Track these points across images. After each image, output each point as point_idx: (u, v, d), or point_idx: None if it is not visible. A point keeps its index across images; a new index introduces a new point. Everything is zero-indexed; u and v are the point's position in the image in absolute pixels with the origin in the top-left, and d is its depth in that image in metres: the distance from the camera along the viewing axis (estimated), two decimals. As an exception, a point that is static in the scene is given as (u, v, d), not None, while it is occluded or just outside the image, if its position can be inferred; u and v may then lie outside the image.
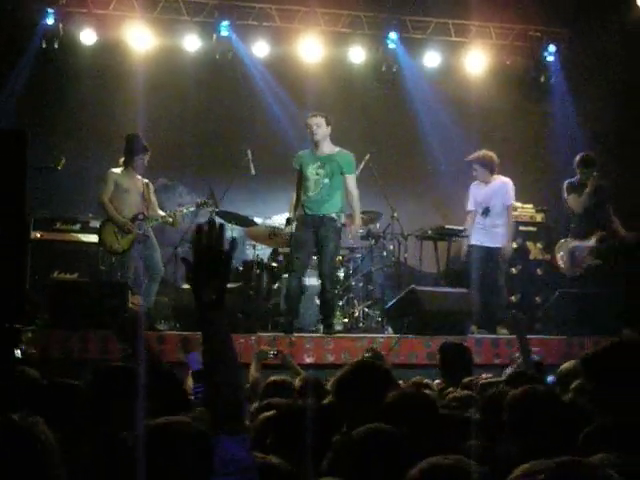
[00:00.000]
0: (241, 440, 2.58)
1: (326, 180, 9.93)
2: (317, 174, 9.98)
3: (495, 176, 11.03)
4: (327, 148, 10.08)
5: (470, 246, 11.05)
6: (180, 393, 4.46)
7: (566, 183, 11.11)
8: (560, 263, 11.34)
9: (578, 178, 11.03)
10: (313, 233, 9.91)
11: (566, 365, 5.65)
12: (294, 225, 10.13)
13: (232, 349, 2.70)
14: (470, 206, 11.12)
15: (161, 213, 10.57)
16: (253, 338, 9.42)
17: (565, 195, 11.07)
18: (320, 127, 9.98)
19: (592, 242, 10.97)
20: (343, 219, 10.06)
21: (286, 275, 10.61)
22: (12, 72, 12.42)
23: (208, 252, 2.67)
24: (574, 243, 11.10)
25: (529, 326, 10.46)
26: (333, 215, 9.89)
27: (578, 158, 11.09)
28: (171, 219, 10.46)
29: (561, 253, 11.32)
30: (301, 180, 10.09)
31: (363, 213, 11.06)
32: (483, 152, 11.05)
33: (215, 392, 2.64)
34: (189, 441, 2.66)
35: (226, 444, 2.55)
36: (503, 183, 11.01)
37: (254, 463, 2.64)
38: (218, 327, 2.66)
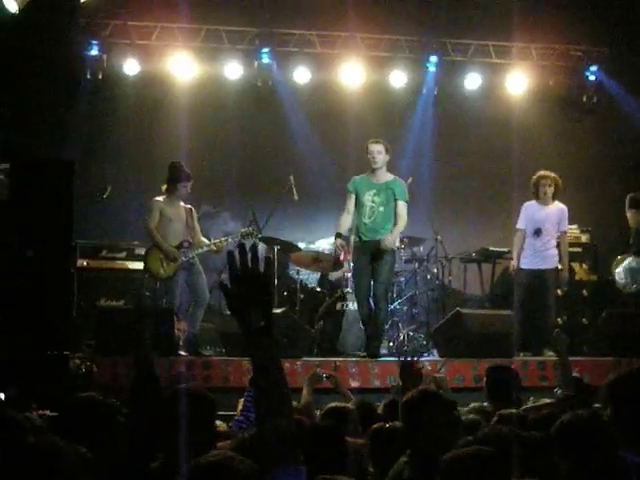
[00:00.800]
0: (295, 471, 2.49)
1: (381, 208, 10.13)
2: (373, 202, 10.16)
3: (554, 200, 10.96)
4: (382, 176, 10.24)
5: (520, 269, 10.92)
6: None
7: (629, 197, 11.02)
8: (617, 279, 11.24)
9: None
10: (370, 258, 10.09)
11: None
12: (352, 254, 10.44)
13: (283, 376, 2.57)
14: (521, 224, 10.98)
15: (205, 241, 10.62)
16: (299, 363, 9.44)
17: (626, 208, 10.97)
18: (380, 154, 10.16)
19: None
20: (398, 243, 10.31)
21: (330, 300, 10.71)
22: (59, 104, 12.56)
23: (245, 278, 2.54)
24: (633, 259, 11.00)
25: (571, 346, 10.39)
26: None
27: (628, 199, 11.03)
28: (215, 248, 10.53)
29: (619, 269, 11.21)
30: (353, 202, 10.26)
31: (407, 238, 11.09)
32: (555, 175, 10.95)
33: (267, 422, 2.53)
34: (238, 476, 2.61)
35: (280, 477, 2.46)
36: (561, 208, 10.89)
37: None
38: (269, 354, 2.54)
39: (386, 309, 10.24)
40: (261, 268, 2.59)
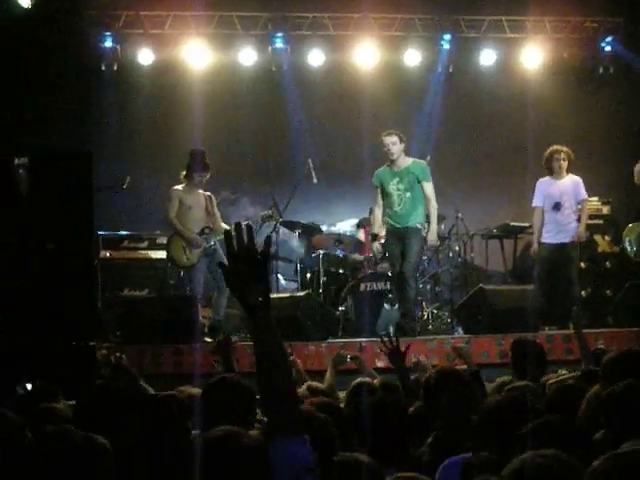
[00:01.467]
0: (300, 441, 2.56)
1: (408, 194, 10.34)
2: (398, 189, 10.38)
3: (568, 173, 10.95)
4: (403, 162, 10.43)
5: (541, 243, 10.93)
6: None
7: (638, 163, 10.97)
8: (627, 248, 11.23)
9: None
10: (400, 242, 10.34)
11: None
12: (384, 239, 10.61)
13: (283, 350, 2.67)
14: (538, 202, 10.98)
15: (225, 226, 10.65)
16: (323, 345, 9.48)
17: (636, 169, 10.92)
18: (395, 145, 10.36)
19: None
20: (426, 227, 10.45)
21: (353, 281, 10.77)
22: (76, 96, 12.61)
23: (242, 256, 2.60)
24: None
25: (596, 318, 10.39)
26: (418, 225, 10.33)
27: None
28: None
29: (628, 238, 11.21)
30: (382, 196, 10.50)
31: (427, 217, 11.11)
32: (567, 148, 10.95)
33: (269, 394, 2.62)
34: (243, 451, 2.64)
35: (285, 446, 2.52)
36: (575, 180, 10.91)
37: (315, 462, 2.59)
38: (268, 329, 2.62)
39: (416, 287, 10.38)
40: (260, 246, 2.65)
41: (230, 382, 4.21)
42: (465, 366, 6.76)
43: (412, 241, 10.25)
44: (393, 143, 10.35)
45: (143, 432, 3.58)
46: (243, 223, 2.74)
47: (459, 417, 4.20)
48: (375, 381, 6.14)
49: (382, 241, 10.69)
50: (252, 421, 4.06)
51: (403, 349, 6.07)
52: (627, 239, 11.26)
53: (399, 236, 10.36)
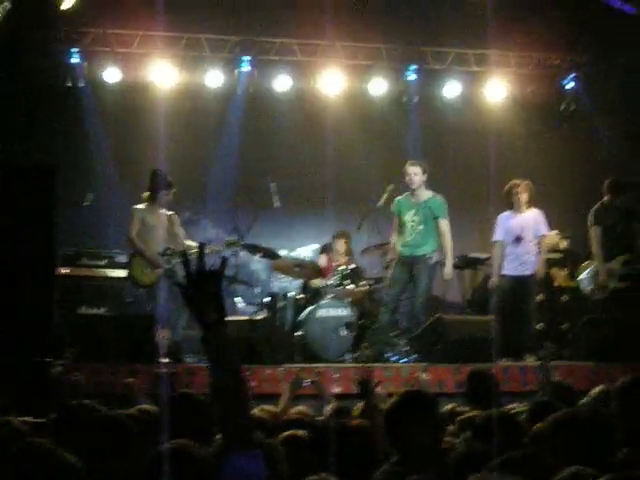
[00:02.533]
0: (252, 456, 2.60)
1: (421, 227, 10.62)
2: (413, 221, 10.64)
3: (529, 207, 11.06)
4: (421, 195, 10.68)
5: (502, 276, 11.03)
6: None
7: (593, 211, 11.13)
8: (582, 285, 11.37)
9: (604, 202, 11.09)
10: (408, 271, 10.59)
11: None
12: (395, 265, 10.78)
13: (238, 367, 2.72)
14: (498, 236, 11.11)
15: (191, 243, 10.59)
16: (280, 369, 9.45)
17: (589, 224, 11.12)
18: (417, 175, 10.61)
19: (616, 265, 11.01)
20: (436, 257, 10.67)
21: (312, 307, 10.76)
22: (41, 111, 12.55)
23: (196, 274, 2.70)
24: (600, 266, 11.11)
25: (553, 354, 10.48)
26: (426, 255, 10.58)
27: (607, 183, 11.15)
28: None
29: (583, 275, 11.34)
30: (398, 223, 10.78)
31: (387, 244, 11.15)
32: (528, 181, 11.09)
33: (222, 410, 2.66)
34: (192, 463, 2.72)
35: (237, 461, 2.57)
36: (536, 214, 11.03)
37: (267, 477, 2.64)
38: (222, 346, 2.68)
39: (424, 322, 10.46)
40: (217, 266, 2.76)
41: (189, 399, 4.20)
42: None
43: (421, 273, 10.50)
44: (415, 174, 10.58)
45: (104, 451, 3.58)
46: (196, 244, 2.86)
47: (423, 441, 4.21)
48: (328, 408, 6.14)
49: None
50: (211, 437, 4.05)
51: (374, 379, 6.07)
52: (581, 277, 11.40)
53: (407, 265, 10.60)
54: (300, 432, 4.39)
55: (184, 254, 2.81)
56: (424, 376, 8.74)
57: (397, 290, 10.64)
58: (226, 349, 2.68)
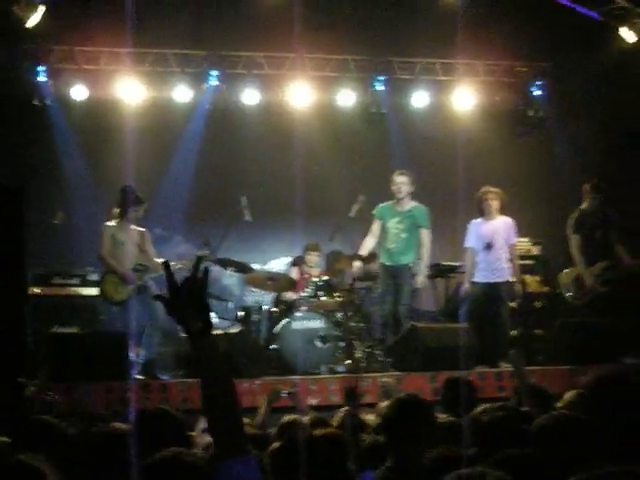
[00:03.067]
0: (246, 461, 2.62)
1: (405, 235, 10.90)
2: (397, 228, 10.91)
3: (500, 215, 11.14)
4: (407, 204, 10.96)
5: (473, 283, 11.09)
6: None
7: (571, 218, 11.24)
8: (564, 291, 11.41)
9: (583, 208, 11.20)
10: (392, 282, 10.84)
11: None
12: (380, 275, 11.09)
13: (227, 374, 2.74)
14: (469, 243, 11.19)
15: (159, 262, 10.59)
16: (257, 382, 9.44)
17: (568, 232, 11.22)
18: (405, 185, 10.92)
19: (597, 270, 11.10)
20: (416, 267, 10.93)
21: (286, 319, 10.76)
22: (6, 129, 12.47)
23: (179, 287, 2.73)
24: (584, 271, 11.19)
25: (526, 357, 10.52)
26: (409, 264, 10.90)
27: (588, 185, 11.25)
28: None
29: (565, 282, 11.40)
30: (378, 227, 11.04)
31: (359, 256, 11.17)
32: (498, 189, 11.16)
33: (215, 418, 2.68)
34: (187, 471, 2.74)
35: (231, 467, 2.59)
36: (507, 222, 11.10)
37: None
38: (210, 354, 2.70)
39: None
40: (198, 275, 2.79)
41: (160, 413, 4.18)
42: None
43: (404, 281, 10.73)
44: (403, 183, 10.89)
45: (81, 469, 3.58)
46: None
47: (420, 446, 4.25)
48: (306, 418, 6.11)
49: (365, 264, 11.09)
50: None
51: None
52: (563, 283, 11.47)
53: (391, 274, 10.84)
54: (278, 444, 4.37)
55: (167, 265, 2.84)
56: (386, 379, 8.80)
57: (388, 304, 10.86)
58: (214, 357, 2.71)
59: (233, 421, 2.67)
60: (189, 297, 2.71)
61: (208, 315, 2.73)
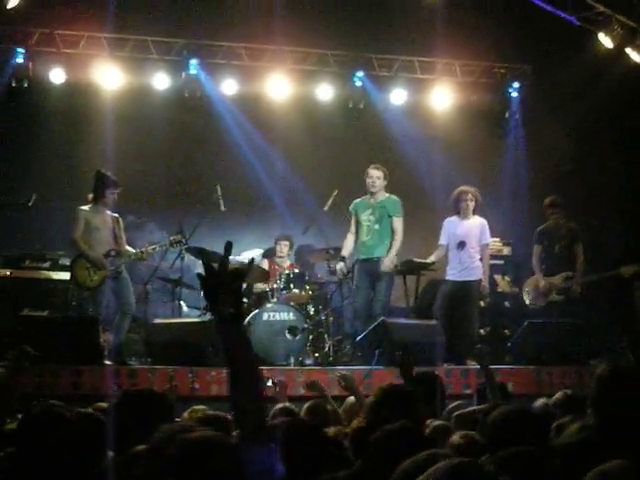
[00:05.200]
0: (270, 451, 2.66)
1: (376, 226, 10.84)
2: (369, 220, 10.88)
3: (474, 215, 11.24)
4: (379, 197, 10.94)
5: (444, 281, 11.19)
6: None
7: (536, 231, 11.52)
8: (525, 296, 11.65)
9: (548, 223, 11.47)
10: (368, 276, 10.77)
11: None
12: (354, 270, 10.98)
13: (253, 362, 2.77)
14: (442, 240, 11.27)
15: (131, 250, 10.60)
16: (225, 371, 9.42)
17: (534, 242, 11.48)
18: (379, 179, 10.87)
19: (558, 280, 11.34)
20: (395, 261, 10.89)
21: (257, 310, 10.77)
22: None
23: (216, 271, 2.75)
24: (541, 279, 11.45)
25: (495, 357, 10.62)
26: (384, 256, 10.77)
27: (546, 202, 11.49)
28: (142, 254, 10.52)
29: (527, 288, 11.65)
30: (354, 223, 11.01)
31: (333, 249, 11.20)
32: (475, 189, 11.26)
33: (241, 404, 2.71)
34: (221, 454, 2.72)
35: (257, 455, 2.62)
36: (481, 222, 11.21)
37: (283, 472, 2.70)
38: (239, 340, 2.74)
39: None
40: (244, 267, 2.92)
41: (141, 393, 4.21)
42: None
43: (381, 278, 10.68)
44: (378, 177, 10.85)
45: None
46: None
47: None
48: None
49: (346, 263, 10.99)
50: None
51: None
52: (526, 289, 11.73)
53: (367, 269, 10.78)
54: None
55: (202, 251, 2.92)
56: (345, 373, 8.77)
57: (364, 299, 10.83)
58: (242, 344, 2.75)
59: (258, 408, 2.71)
60: (225, 282, 2.73)
61: (241, 303, 2.77)
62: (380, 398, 4.64)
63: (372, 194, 10.92)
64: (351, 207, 11.08)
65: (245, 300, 11.54)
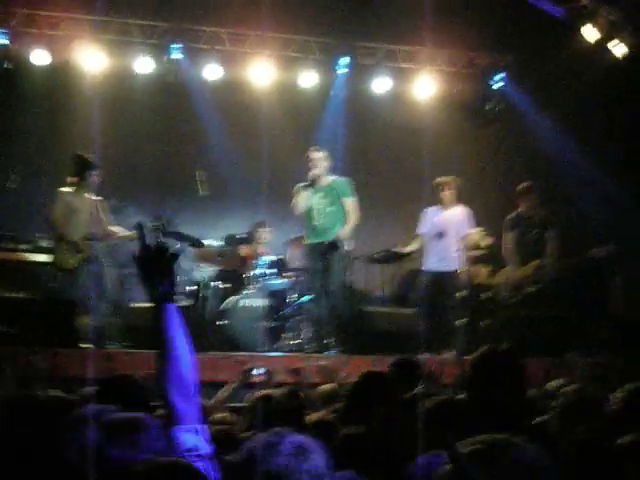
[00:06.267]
0: (197, 430, 2.67)
1: (328, 209, 10.61)
2: (320, 204, 10.61)
3: (458, 203, 11.26)
4: (325, 179, 10.67)
5: (423, 271, 11.19)
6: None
7: (506, 219, 11.50)
8: (500, 289, 11.65)
9: (519, 211, 11.45)
10: (322, 259, 10.49)
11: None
12: (307, 256, 10.82)
13: (184, 342, 2.76)
14: (420, 230, 11.27)
15: (114, 231, 10.58)
16: (201, 357, 9.44)
17: (503, 229, 11.46)
18: (321, 161, 10.62)
19: (529, 270, 11.35)
20: (347, 245, 10.67)
21: (236, 296, 10.78)
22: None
23: (151, 251, 2.80)
24: (513, 270, 11.45)
25: (472, 347, 10.66)
26: (337, 239, 10.52)
27: (519, 188, 11.50)
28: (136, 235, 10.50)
29: (502, 279, 11.62)
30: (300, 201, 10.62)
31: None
32: (454, 177, 11.26)
33: (170, 383, 2.72)
34: (145, 432, 2.79)
35: (184, 435, 2.64)
36: (464, 211, 11.22)
37: (213, 450, 2.70)
38: (170, 320, 2.74)
39: (342, 306, 10.50)
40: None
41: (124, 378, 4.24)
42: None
43: (334, 259, 10.44)
44: (319, 159, 10.62)
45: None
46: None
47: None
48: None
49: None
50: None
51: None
52: (500, 281, 11.73)
53: (319, 251, 10.53)
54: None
55: (140, 226, 2.94)
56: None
57: (319, 282, 10.57)
58: (174, 323, 2.75)
59: (186, 389, 2.70)
60: (160, 260, 2.78)
61: (173, 284, 2.78)
62: (359, 384, 4.71)
63: (317, 177, 10.66)
64: (295, 193, 10.78)
65: (226, 285, 11.54)
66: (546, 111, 13.45)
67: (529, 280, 11.39)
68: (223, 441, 3.94)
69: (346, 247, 10.63)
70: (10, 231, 11.75)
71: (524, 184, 11.62)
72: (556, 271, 11.44)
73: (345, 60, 13.62)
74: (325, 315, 10.41)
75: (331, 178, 10.74)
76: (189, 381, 2.74)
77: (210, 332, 10.59)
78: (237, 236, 12.13)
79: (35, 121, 12.95)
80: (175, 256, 2.81)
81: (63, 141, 12.45)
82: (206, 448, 2.67)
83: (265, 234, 12.13)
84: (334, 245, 10.49)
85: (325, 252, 10.50)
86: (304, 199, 10.61)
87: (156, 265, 2.77)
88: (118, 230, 10.60)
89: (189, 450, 2.61)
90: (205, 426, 2.71)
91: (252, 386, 7.20)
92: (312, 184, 10.64)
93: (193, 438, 2.64)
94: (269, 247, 12.16)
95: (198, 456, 2.62)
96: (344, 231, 10.60)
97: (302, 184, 10.74)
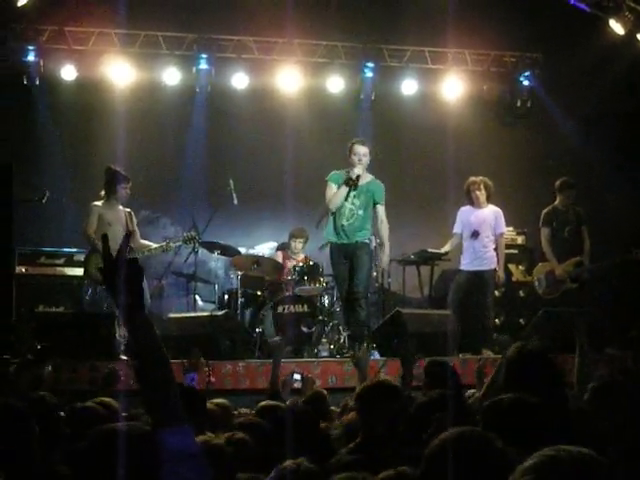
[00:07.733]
0: (183, 431, 2.65)
1: (360, 212, 10.12)
2: (353, 204, 10.10)
3: (488, 203, 11.23)
4: (364, 178, 10.14)
5: (459, 270, 11.18)
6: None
7: (543, 213, 11.44)
8: (536, 286, 11.57)
9: (555, 205, 11.38)
10: (348, 260, 10.12)
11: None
12: (331, 256, 10.35)
13: (159, 347, 2.76)
14: (456, 229, 11.26)
15: (145, 244, 10.65)
16: (241, 365, 9.48)
17: (540, 224, 11.41)
18: (366, 156, 10.05)
19: (569, 267, 11.29)
20: (374, 242, 10.20)
21: (271, 303, 10.79)
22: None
23: (111, 261, 2.78)
24: (557, 266, 11.36)
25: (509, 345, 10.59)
26: (366, 240, 10.13)
27: (558, 183, 11.42)
28: (166, 247, 10.60)
29: (538, 276, 11.55)
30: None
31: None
32: (485, 178, 11.23)
33: (148, 389, 2.71)
34: (130, 442, 2.82)
35: (169, 437, 2.62)
36: (495, 211, 11.20)
37: (200, 450, 2.71)
38: (141, 327, 2.73)
39: (367, 309, 10.27)
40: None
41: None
42: None
43: (362, 258, 10.03)
44: (365, 154, 10.02)
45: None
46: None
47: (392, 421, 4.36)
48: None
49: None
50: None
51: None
52: (536, 278, 11.62)
53: (347, 253, 10.17)
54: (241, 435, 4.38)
55: (105, 237, 2.91)
56: (382, 372, 8.79)
57: (347, 284, 10.23)
58: (145, 330, 2.73)
59: (166, 392, 2.69)
60: (121, 271, 2.75)
61: (139, 293, 2.78)
62: (363, 396, 4.70)
63: (359, 176, 10.05)
64: (331, 178, 10.24)
65: (260, 292, 11.57)
66: (575, 108, 13.38)
67: (569, 276, 11.32)
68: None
69: (373, 244, 10.23)
70: (44, 246, 11.88)
71: (563, 178, 11.54)
72: (597, 270, 11.38)
73: (372, 63, 13.61)
74: (359, 318, 10.28)
75: (369, 177, 10.26)
76: (168, 386, 2.75)
77: (248, 339, 10.60)
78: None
79: (65, 136, 13.06)
80: (140, 268, 2.79)
81: (94, 155, 12.54)
82: (194, 447, 2.69)
83: (300, 244, 12.06)
84: (363, 245, 10.16)
85: (353, 252, 10.12)
86: (342, 196, 10.08)
87: (121, 276, 2.76)
88: (146, 244, 10.68)
89: (176, 451, 2.63)
90: (189, 426, 2.73)
91: (292, 392, 7.21)
92: (353, 182, 10.01)
93: (180, 439, 2.66)
94: (303, 254, 12.17)
95: (190, 457, 2.65)
96: (386, 256, 10.26)
97: (338, 174, 10.22)
